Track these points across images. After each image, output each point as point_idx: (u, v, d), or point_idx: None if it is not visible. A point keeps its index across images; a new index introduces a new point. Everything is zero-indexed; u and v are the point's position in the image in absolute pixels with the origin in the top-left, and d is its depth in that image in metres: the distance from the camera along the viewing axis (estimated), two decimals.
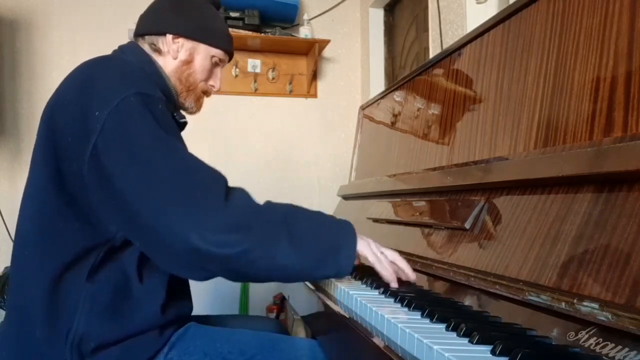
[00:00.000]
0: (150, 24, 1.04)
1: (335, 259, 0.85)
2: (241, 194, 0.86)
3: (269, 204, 0.87)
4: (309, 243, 0.83)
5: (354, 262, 0.86)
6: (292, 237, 0.81)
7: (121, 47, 1.04)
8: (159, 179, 0.80)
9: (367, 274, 0.99)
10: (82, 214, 0.85)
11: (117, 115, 0.81)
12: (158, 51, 1.03)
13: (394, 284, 0.90)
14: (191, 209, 0.78)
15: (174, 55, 1.03)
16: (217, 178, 0.85)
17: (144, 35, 1.04)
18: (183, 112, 1.07)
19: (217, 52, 1.08)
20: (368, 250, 0.90)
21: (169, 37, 1.02)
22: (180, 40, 1.03)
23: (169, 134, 0.85)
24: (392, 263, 0.91)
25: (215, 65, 1.09)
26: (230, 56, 1.13)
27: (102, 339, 0.84)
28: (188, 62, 1.04)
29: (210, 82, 1.10)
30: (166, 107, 0.90)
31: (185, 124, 1.05)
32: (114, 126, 0.81)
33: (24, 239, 0.89)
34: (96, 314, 0.84)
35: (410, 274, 0.91)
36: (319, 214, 0.89)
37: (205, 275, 0.84)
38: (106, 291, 0.86)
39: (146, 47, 1.04)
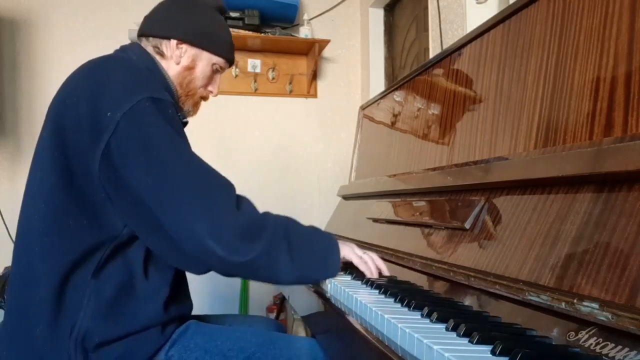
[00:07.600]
0: (156, 27, 1.05)
1: (325, 266, 0.95)
2: (248, 202, 0.91)
3: (269, 214, 0.92)
4: (304, 253, 0.91)
5: (339, 267, 0.97)
6: (291, 248, 0.89)
7: (123, 47, 1.04)
8: (176, 180, 0.83)
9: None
10: (90, 211, 0.86)
11: (132, 118, 0.83)
12: (161, 54, 1.04)
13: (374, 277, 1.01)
14: (207, 212, 0.82)
15: (176, 60, 1.04)
16: (228, 184, 0.90)
17: (148, 37, 1.05)
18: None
19: (219, 60, 1.09)
20: (352, 254, 1.01)
21: (173, 42, 1.03)
22: (184, 46, 1.04)
23: (181, 137, 0.89)
24: (372, 260, 1.02)
25: (215, 72, 1.11)
26: (231, 64, 1.15)
27: (105, 335, 0.85)
28: (190, 68, 1.06)
29: (209, 88, 1.12)
30: (175, 111, 0.92)
31: (186, 123, 1.06)
32: (128, 128, 0.83)
33: (31, 238, 0.89)
34: (100, 311, 0.85)
35: (384, 270, 1.03)
36: (309, 227, 0.97)
37: (204, 270, 0.90)
38: (111, 288, 0.87)
39: (150, 49, 1.04)
